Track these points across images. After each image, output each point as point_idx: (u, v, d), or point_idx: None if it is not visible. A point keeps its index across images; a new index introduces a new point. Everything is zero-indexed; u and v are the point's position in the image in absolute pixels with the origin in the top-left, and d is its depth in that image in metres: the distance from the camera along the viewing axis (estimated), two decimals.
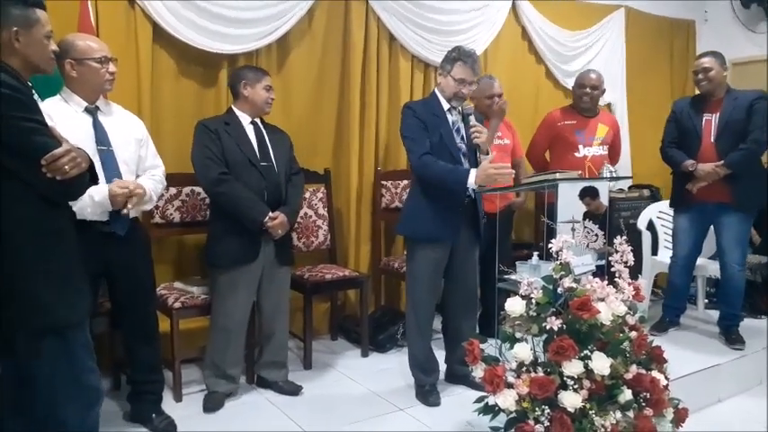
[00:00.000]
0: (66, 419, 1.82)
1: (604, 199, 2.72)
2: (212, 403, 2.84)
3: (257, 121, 2.94)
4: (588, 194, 2.62)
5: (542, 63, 4.64)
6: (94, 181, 1.89)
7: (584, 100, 3.83)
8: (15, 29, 1.72)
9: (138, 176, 2.55)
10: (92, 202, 2.29)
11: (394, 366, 3.36)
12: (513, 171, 2.77)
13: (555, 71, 4.63)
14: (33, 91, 1.79)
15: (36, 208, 1.73)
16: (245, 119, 2.90)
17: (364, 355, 3.54)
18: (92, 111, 2.46)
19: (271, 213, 2.79)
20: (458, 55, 2.83)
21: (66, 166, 1.69)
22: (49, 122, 1.79)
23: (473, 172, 2.69)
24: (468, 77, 2.82)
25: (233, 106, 2.94)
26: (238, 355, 2.94)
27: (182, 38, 3.19)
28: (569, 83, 4.46)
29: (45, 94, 2.33)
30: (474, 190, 2.80)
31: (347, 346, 3.69)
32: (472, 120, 2.83)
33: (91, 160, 1.83)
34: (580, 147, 3.81)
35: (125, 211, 2.36)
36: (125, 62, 2.89)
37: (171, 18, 3.15)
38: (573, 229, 2.50)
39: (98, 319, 2.67)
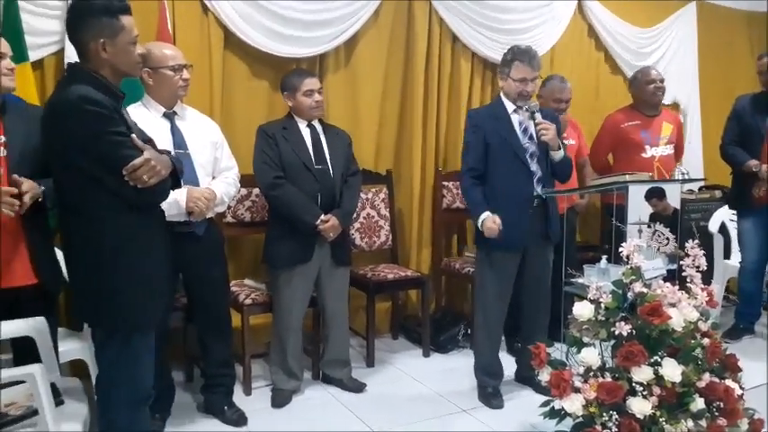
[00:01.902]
0: (115, 418, 1.90)
1: (675, 201, 2.65)
2: (280, 399, 2.93)
3: (314, 123, 3.01)
4: (655, 195, 2.56)
5: (609, 61, 4.53)
6: (177, 185, 1.98)
7: (658, 95, 3.73)
8: (102, 40, 1.80)
9: (213, 178, 2.67)
10: (168, 206, 2.40)
11: (456, 367, 3.37)
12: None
13: (625, 68, 4.51)
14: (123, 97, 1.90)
15: (125, 213, 1.82)
16: (301, 123, 2.97)
17: (426, 355, 3.56)
18: (169, 116, 2.58)
19: (323, 216, 2.85)
20: (513, 56, 2.83)
21: (145, 176, 1.78)
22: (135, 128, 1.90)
23: (482, 217, 2.79)
24: (527, 75, 2.80)
25: (290, 111, 3.02)
26: (299, 352, 3.02)
27: (252, 42, 3.31)
28: None
29: (131, 99, 2.46)
30: (543, 194, 2.79)
31: (408, 346, 3.73)
32: (538, 117, 2.81)
33: (174, 165, 1.91)
34: (647, 147, 3.71)
35: (208, 213, 2.48)
36: (198, 67, 3.02)
37: (241, 23, 3.27)
38: (639, 231, 2.46)
39: (174, 313, 2.79)
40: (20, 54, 2.58)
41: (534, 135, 2.83)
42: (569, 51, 4.35)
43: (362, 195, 3.44)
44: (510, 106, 2.88)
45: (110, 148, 1.77)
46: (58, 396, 2.00)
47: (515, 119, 2.86)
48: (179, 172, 1.96)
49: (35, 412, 1.88)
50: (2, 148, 2.15)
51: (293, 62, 3.45)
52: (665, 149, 3.75)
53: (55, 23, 2.89)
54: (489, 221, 2.75)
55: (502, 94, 2.93)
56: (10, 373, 1.87)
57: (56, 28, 2.89)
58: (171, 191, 1.95)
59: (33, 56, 2.83)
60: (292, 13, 3.36)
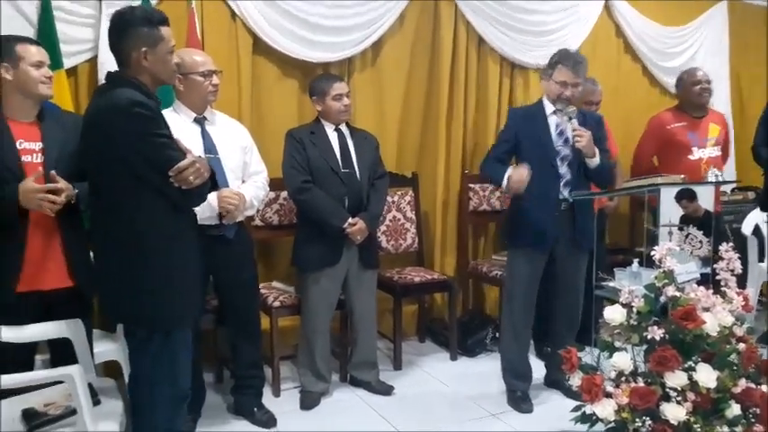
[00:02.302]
0: (156, 416, 1.95)
1: (708, 203, 2.61)
2: (308, 402, 2.95)
3: (342, 128, 3.03)
4: (685, 197, 2.52)
5: (639, 61, 4.48)
6: (215, 188, 2.03)
7: (704, 96, 3.65)
8: (144, 49, 1.87)
9: (243, 182, 2.70)
10: (201, 208, 2.43)
11: (484, 371, 3.35)
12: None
13: (653, 69, 4.46)
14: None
15: (165, 213, 1.88)
16: (329, 127, 3.00)
17: (453, 358, 3.56)
18: (200, 121, 2.62)
19: (350, 219, 2.87)
20: (558, 58, 2.82)
21: (191, 177, 1.84)
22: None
23: (505, 178, 2.75)
24: (568, 80, 2.78)
25: (318, 115, 3.04)
26: (327, 354, 3.04)
27: (280, 48, 3.35)
28: (668, 81, 4.29)
29: (162, 105, 2.50)
30: (571, 197, 2.77)
31: (435, 349, 3.72)
32: (574, 123, 2.78)
33: (212, 168, 1.96)
34: (694, 149, 3.64)
35: (239, 216, 2.52)
36: (227, 72, 3.05)
37: (269, 29, 3.31)
38: (670, 233, 2.42)
39: (205, 316, 2.82)
40: (55, 61, 2.64)
41: (570, 139, 2.81)
42: (596, 52, 4.29)
43: (388, 198, 3.45)
44: (549, 108, 2.86)
45: (157, 149, 1.83)
46: (94, 396, 2.04)
47: (552, 121, 2.84)
48: (216, 175, 2.00)
49: (73, 412, 1.92)
50: (40, 154, 2.21)
51: (320, 66, 3.47)
52: (712, 151, 3.67)
53: (88, 31, 2.96)
54: (515, 173, 2.71)
55: (544, 95, 2.92)
56: (49, 374, 1.92)
57: (89, 36, 2.96)
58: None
59: (68, 63, 2.90)
60: (318, 18, 3.40)
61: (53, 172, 2.14)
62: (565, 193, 2.79)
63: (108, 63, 2.79)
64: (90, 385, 2.03)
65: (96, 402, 2.03)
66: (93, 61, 2.98)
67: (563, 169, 2.79)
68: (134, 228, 1.85)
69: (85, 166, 1.98)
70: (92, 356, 2.27)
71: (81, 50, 2.97)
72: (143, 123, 1.81)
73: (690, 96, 3.68)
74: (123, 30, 1.87)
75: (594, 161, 2.78)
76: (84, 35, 2.96)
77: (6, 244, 2.12)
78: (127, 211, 1.85)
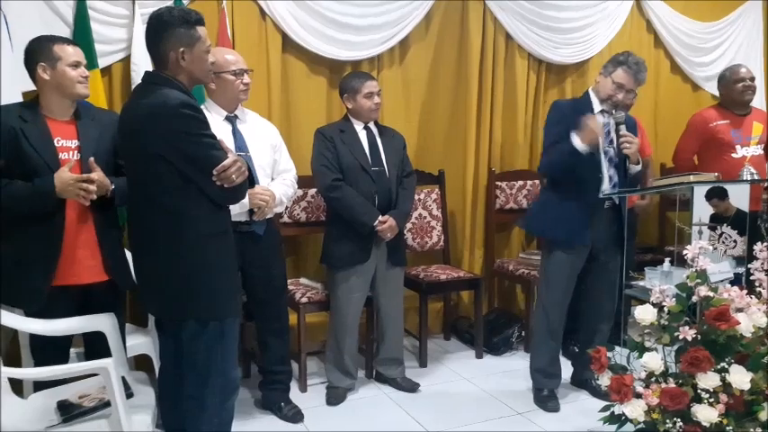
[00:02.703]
0: (208, 405, 2.00)
1: (743, 202, 2.56)
2: (335, 398, 2.98)
3: (370, 126, 3.04)
4: (716, 196, 2.47)
5: (669, 57, 4.41)
6: (252, 185, 2.07)
7: (747, 94, 3.58)
8: (182, 49, 1.91)
9: (272, 179, 2.73)
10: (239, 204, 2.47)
11: (510, 369, 3.35)
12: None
13: (684, 65, 4.39)
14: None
15: (209, 210, 1.94)
16: (358, 125, 3.01)
17: (478, 356, 3.55)
18: (231, 119, 2.66)
19: (381, 217, 2.88)
20: (624, 59, 2.77)
21: (234, 176, 1.89)
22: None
23: (574, 136, 2.64)
24: (627, 84, 2.74)
25: (348, 113, 3.06)
26: (354, 350, 3.05)
27: (308, 47, 3.38)
28: (700, 76, 4.22)
29: None
30: (615, 197, 2.74)
31: (461, 347, 3.72)
32: (623, 129, 2.74)
33: (249, 167, 2.00)
34: (737, 147, 3.56)
35: (269, 213, 2.57)
36: (257, 71, 3.09)
37: (298, 28, 3.34)
38: (700, 232, 2.39)
39: None
40: (90, 61, 2.69)
41: (615, 141, 2.76)
42: (627, 47, 4.23)
43: (415, 196, 3.45)
44: (597, 105, 2.81)
45: (204, 148, 1.88)
46: (127, 389, 2.09)
47: (599, 119, 2.76)
48: (252, 173, 2.05)
49: (107, 404, 1.96)
50: (76, 152, 2.26)
51: (349, 64, 3.49)
52: (756, 149, 3.59)
53: (122, 32, 3.01)
54: (584, 127, 2.62)
55: (591, 90, 2.87)
56: (84, 367, 1.96)
57: (123, 36, 3.01)
58: None
59: (102, 63, 2.96)
60: (346, 17, 3.42)
61: (92, 159, 2.20)
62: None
63: (141, 62, 2.87)
64: (123, 378, 2.08)
65: (129, 395, 2.07)
66: (125, 61, 3.04)
67: (610, 171, 2.75)
68: (182, 224, 1.90)
69: (126, 163, 2.03)
70: (125, 350, 2.32)
71: (115, 50, 3.03)
72: (192, 124, 1.86)
73: (733, 94, 3.59)
74: (162, 30, 1.91)
75: (637, 168, 2.75)
76: (118, 35, 3.01)
77: (44, 238, 2.18)
78: (169, 209, 1.89)
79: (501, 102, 3.92)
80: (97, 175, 2.18)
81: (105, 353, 2.15)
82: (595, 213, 2.76)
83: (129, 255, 2.33)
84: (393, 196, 2.99)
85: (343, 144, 2.94)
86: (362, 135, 3.01)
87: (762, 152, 3.62)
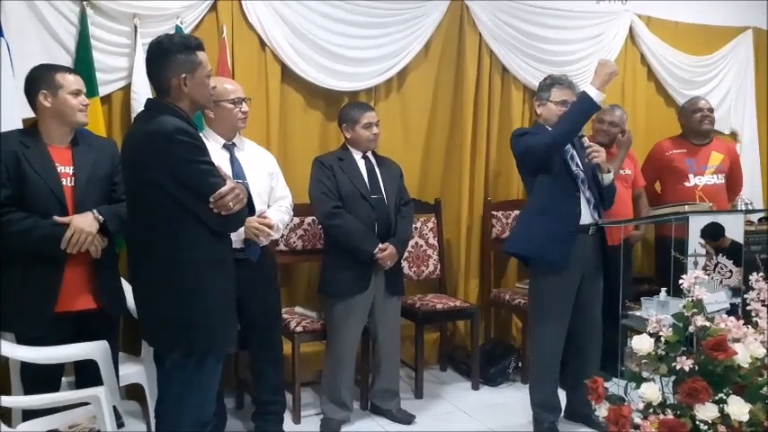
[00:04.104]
0: None
1: (737, 233, 2.56)
2: (329, 429, 2.94)
3: (368, 155, 3.06)
4: (710, 236, 2.47)
5: (661, 91, 4.47)
6: (252, 213, 2.06)
7: (705, 124, 3.68)
8: (184, 75, 1.93)
9: (268, 206, 2.74)
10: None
11: (507, 402, 3.31)
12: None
13: (678, 98, 4.44)
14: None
15: (207, 238, 1.92)
16: (356, 154, 3.04)
17: (475, 388, 3.51)
18: (229, 147, 2.68)
19: (380, 245, 2.88)
20: (552, 81, 2.86)
21: (231, 203, 1.88)
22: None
23: (589, 88, 2.60)
24: (568, 98, 2.80)
25: (346, 142, 3.08)
26: (350, 381, 3.02)
27: (307, 77, 3.42)
28: None
29: None
30: (598, 223, 2.75)
31: (457, 378, 3.68)
32: (586, 141, 2.80)
33: (249, 194, 2.00)
34: (690, 176, 3.64)
35: (264, 241, 2.56)
36: (256, 100, 3.13)
37: (297, 59, 3.39)
38: (695, 263, 2.39)
39: None
40: (91, 89, 2.72)
41: (580, 163, 2.80)
42: (621, 80, 4.30)
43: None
44: None
45: (201, 175, 1.87)
46: (119, 419, 2.06)
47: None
48: (252, 200, 2.04)
49: None
50: (70, 178, 2.27)
51: (346, 95, 3.54)
52: (711, 179, 3.67)
53: (123, 60, 3.05)
54: (600, 69, 2.60)
55: (541, 122, 2.90)
56: (75, 395, 1.94)
57: (124, 64, 3.05)
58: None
59: (102, 91, 2.99)
60: (345, 50, 3.48)
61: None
62: (594, 216, 2.77)
63: (141, 91, 2.90)
64: (114, 408, 2.05)
65: (120, 425, 2.05)
66: (126, 89, 3.07)
67: (587, 193, 2.78)
68: (175, 253, 1.88)
69: (127, 190, 2.03)
70: (117, 379, 2.29)
71: (115, 79, 3.06)
72: (188, 151, 1.86)
73: (691, 124, 3.73)
74: (163, 57, 1.93)
75: (609, 176, 2.78)
76: (119, 64, 3.05)
77: (46, 264, 2.19)
78: (168, 237, 1.88)
79: (497, 132, 3.96)
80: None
81: (97, 381, 2.12)
82: (582, 239, 2.76)
83: (125, 282, 2.32)
84: (392, 224, 3.00)
85: (342, 172, 2.95)
86: (361, 164, 3.03)
87: (720, 182, 3.68)
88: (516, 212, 3.92)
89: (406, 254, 3.60)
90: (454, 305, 3.52)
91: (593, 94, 2.60)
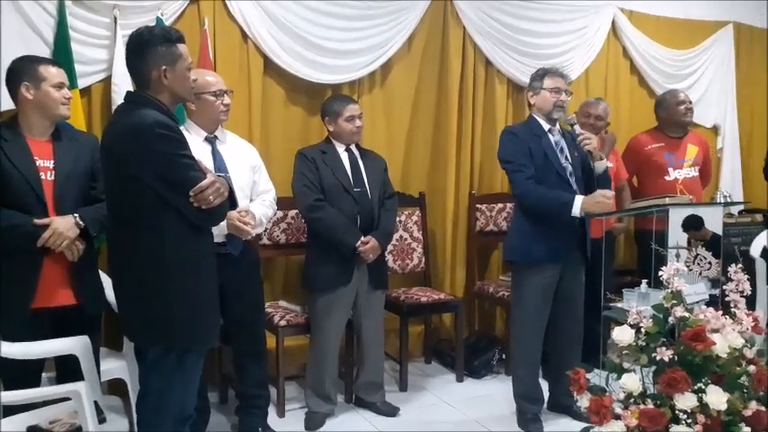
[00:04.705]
0: None
1: (716, 226, 2.59)
2: (313, 423, 2.93)
3: (352, 148, 3.05)
4: (692, 227, 2.50)
5: (643, 84, 4.51)
6: (233, 207, 2.05)
7: (688, 115, 3.72)
8: (164, 67, 1.90)
9: (251, 200, 2.72)
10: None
11: (491, 393, 3.33)
12: (613, 195, 2.71)
13: (659, 91, 4.47)
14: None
15: (187, 234, 1.90)
16: (339, 147, 3.02)
17: (459, 380, 3.53)
18: (211, 140, 2.65)
19: (363, 238, 2.88)
20: (543, 71, 2.89)
21: (211, 197, 1.86)
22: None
23: (579, 199, 2.66)
24: (561, 85, 2.83)
25: (329, 135, 3.06)
26: (335, 374, 3.02)
27: (290, 70, 3.40)
28: None
29: None
30: (581, 216, 2.76)
31: (441, 370, 3.69)
32: (577, 128, 2.82)
33: (231, 188, 1.98)
34: (670, 169, 3.69)
35: (252, 233, 2.55)
36: (238, 93, 3.10)
37: (280, 51, 3.36)
38: (677, 256, 2.41)
39: None
40: (70, 82, 2.67)
41: (569, 156, 2.82)
42: (604, 74, 4.33)
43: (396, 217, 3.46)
44: (545, 125, 2.87)
45: (180, 169, 1.85)
46: (100, 414, 2.04)
47: (551, 138, 2.85)
48: (233, 194, 2.03)
49: (78, 429, 1.92)
50: (49, 172, 2.24)
51: (330, 88, 3.52)
52: (689, 172, 3.72)
53: (103, 52, 3.01)
54: (594, 197, 2.64)
55: (534, 113, 2.92)
56: (55, 390, 1.92)
57: (104, 56, 3.01)
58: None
59: (82, 83, 2.95)
60: (328, 42, 3.45)
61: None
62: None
63: (122, 83, 2.86)
64: (96, 403, 2.03)
65: (102, 420, 2.04)
66: (106, 81, 3.03)
67: (575, 185, 2.80)
68: (156, 248, 1.86)
69: (106, 184, 2.00)
70: (98, 374, 2.27)
71: (95, 71, 3.02)
72: (168, 144, 1.84)
73: (674, 116, 3.76)
74: (143, 50, 1.90)
75: (603, 164, 2.79)
76: (99, 56, 3.01)
77: (23, 261, 2.16)
78: (148, 231, 1.86)
79: (481, 126, 3.97)
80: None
81: (78, 377, 2.10)
82: (567, 231, 2.78)
83: (105, 277, 2.30)
84: (375, 217, 2.99)
85: (325, 165, 2.94)
86: (344, 157, 3.02)
87: (696, 175, 3.73)
88: (500, 205, 3.94)
89: (390, 247, 3.60)
90: (439, 298, 3.53)
91: (576, 210, 2.65)
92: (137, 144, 1.83)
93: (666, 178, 3.68)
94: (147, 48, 1.90)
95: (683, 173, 3.70)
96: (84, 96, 3.00)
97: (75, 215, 2.22)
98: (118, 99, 2.74)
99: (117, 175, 1.90)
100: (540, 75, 2.87)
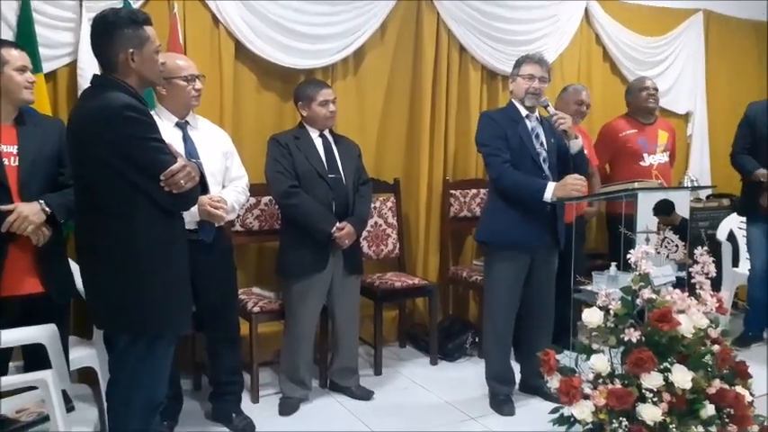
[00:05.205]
0: (130, 423, 1.93)
1: (684, 209, 2.65)
2: (287, 408, 2.93)
3: (326, 133, 3.04)
4: (662, 212, 2.55)
5: (616, 71, 4.55)
6: (204, 191, 2.02)
7: (651, 102, 3.78)
8: (131, 50, 1.87)
9: (223, 187, 2.69)
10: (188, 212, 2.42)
11: (464, 376, 3.37)
12: (585, 182, 2.74)
13: (631, 78, 4.53)
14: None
15: (157, 219, 1.87)
16: (313, 132, 3.00)
17: (433, 363, 3.56)
18: (182, 125, 2.62)
19: (338, 224, 2.87)
20: (523, 58, 2.93)
21: (182, 181, 1.84)
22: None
23: (551, 185, 2.70)
24: (536, 72, 2.85)
25: (302, 120, 3.05)
26: (309, 360, 3.03)
27: (262, 54, 3.35)
28: None
29: None
30: (551, 200, 2.79)
31: (416, 354, 3.72)
32: (551, 109, 2.85)
33: (202, 172, 1.96)
34: (645, 155, 3.74)
35: (224, 218, 2.53)
36: (209, 78, 3.05)
37: (252, 35, 3.31)
38: (647, 240, 2.46)
39: None
40: (34, 66, 2.61)
41: (545, 142, 2.85)
42: (577, 60, 4.36)
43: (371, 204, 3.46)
44: (523, 111, 2.89)
45: (150, 153, 1.82)
46: (68, 402, 2.02)
47: (528, 124, 2.88)
48: (205, 179, 2.00)
49: (46, 418, 1.89)
50: (13, 158, 2.19)
51: (302, 73, 3.48)
52: (662, 157, 3.79)
53: (68, 35, 2.94)
54: (564, 182, 2.68)
55: (512, 99, 2.95)
56: (22, 379, 1.89)
57: (69, 40, 2.94)
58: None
59: (47, 67, 2.87)
60: (300, 26, 3.41)
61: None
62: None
63: (88, 67, 2.80)
64: (64, 392, 2.01)
65: (70, 409, 2.01)
66: (72, 65, 2.96)
67: (547, 170, 2.83)
68: (128, 232, 1.83)
69: (73, 169, 1.96)
70: (67, 362, 2.24)
71: (60, 55, 2.95)
72: (136, 127, 1.80)
73: (639, 102, 3.83)
74: (108, 32, 1.86)
75: (578, 142, 2.82)
76: (64, 39, 2.93)
77: None
78: (117, 216, 1.83)
79: (455, 112, 3.98)
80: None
81: (46, 366, 2.06)
82: (539, 216, 2.81)
83: (74, 265, 2.26)
84: (350, 203, 2.98)
85: (298, 151, 2.92)
86: (318, 142, 3.00)
87: (667, 160, 3.81)
88: (474, 191, 3.96)
89: (365, 233, 3.60)
90: (413, 283, 3.54)
91: (547, 195, 2.69)
92: (104, 127, 1.79)
93: (642, 164, 3.73)
94: (113, 30, 1.86)
95: (657, 158, 3.76)
96: (49, 81, 2.93)
97: (41, 201, 2.17)
98: (84, 84, 2.68)
99: (84, 160, 1.87)
100: (519, 61, 2.91)
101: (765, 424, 2.23)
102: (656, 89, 3.84)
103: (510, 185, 2.80)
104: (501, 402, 2.93)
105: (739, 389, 2.17)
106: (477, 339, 3.68)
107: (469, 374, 3.32)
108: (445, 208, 3.91)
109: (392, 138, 3.86)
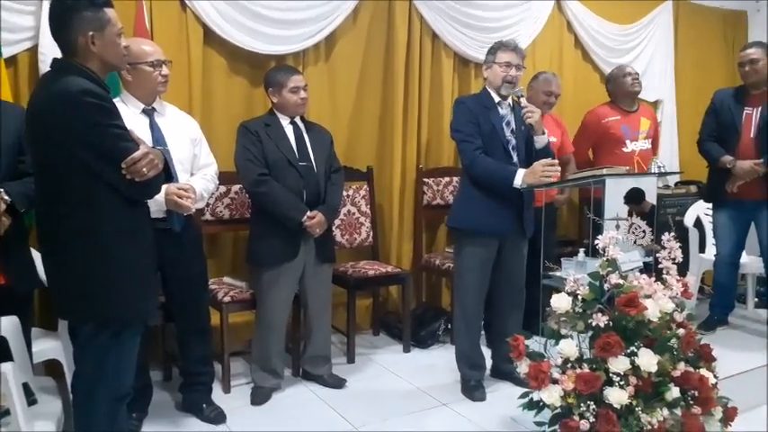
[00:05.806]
0: (95, 415, 1.90)
1: (652, 196, 2.68)
2: (259, 397, 2.91)
3: (297, 120, 3.00)
4: (633, 201, 2.57)
5: (587, 58, 4.58)
6: (169, 180, 1.98)
7: (636, 87, 3.81)
8: (91, 33, 1.81)
9: (192, 174, 2.65)
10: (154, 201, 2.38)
11: (436, 362, 3.39)
12: (559, 168, 2.76)
13: (602, 65, 4.57)
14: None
15: (120, 207, 1.83)
16: (284, 119, 2.96)
17: (406, 350, 3.57)
18: (149, 112, 2.56)
19: (309, 212, 2.85)
20: (498, 45, 2.91)
21: (144, 169, 1.79)
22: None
23: (521, 172, 2.71)
24: (513, 60, 2.85)
25: (273, 107, 3.01)
26: (281, 349, 3.01)
27: (231, 40, 3.30)
28: None
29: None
30: (519, 187, 2.80)
31: (389, 342, 3.73)
32: (523, 101, 2.84)
33: (166, 160, 1.92)
34: (627, 142, 3.78)
35: (193, 208, 2.48)
36: (177, 64, 2.98)
37: (220, 20, 3.25)
38: (617, 227, 2.48)
39: None
40: None
41: (515, 129, 2.86)
42: (549, 48, 4.38)
43: (343, 192, 3.44)
44: (496, 98, 2.89)
45: (110, 140, 1.78)
46: (30, 395, 1.97)
47: (500, 111, 2.88)
48: (170, 166, 1.96)
49: (7, 412, 1.84)
50: None
51: (272, 59, 3.43)
52: (644, 144, 3.83)
53: (29, 19, 2.85)
54: (533, 168, 2.69)
55: (486, 86, 2.95)
56: None
57: (30, 23, 2.85)
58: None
59: (6, 52, 2.79)
60: (270, 11, 3.35)
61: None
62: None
63: (49, 52, 2.70)
64: (26, 385, 1.96)
65: (32, 402, 1.96)
66: (33, 50, 2.87)
67: (515, 158, 2.84)
68: (90, 221, 1.79)
69: (33, 156, 1.91)
70: (30, 355, 2.19)
71: (21, 39, 2.86)
72: (95, 113, 1.75)
73: (623, 88, 3.85)
74: (66, 15, 1.80)
75: (543, 139, 2.84)
76: (24, 22, 2.84)
77: None
78: (79, 205, 1.79)
79: (428, 99, 3.97)
80: None
81: (8, 358, 2.02)
82: (505, 203, 2.83)
83: (36, 255, 2.20)
84: (321, 192, 2.96)
85: (269, 138, 2.88)
86: (289, 130, 2.96)
87: (649, 147, 3.86)
88: (447, 179, 3.97)
89: (338, 222, 3.59)
90: (386, 271, 3.54)
91: (517, 182, 2.71)
92: (63, 113, 1.74)
93: (624, 150, 3.76)
94: (71, 13, 1.81)
95: (639, 145, 3.80)
96: (9, 66, 2.84)
97: (0, 190, 2.11)
98: (45, 69, 2.59)
99: (44, 147, 1.81)
100: (495, 48, 2.90)
101: (729, 406, 2.28)
102: (638, 74, 3.86)
103: (481, 172, 2.81)
104: (472, 388, 2.95)
105: (704, 371, 2.22)
106: (449, 326, 3.70)
107: (442, 361, 3.34)
108: (418, 196, 3.91)
109: (364, 125, 3.83)
